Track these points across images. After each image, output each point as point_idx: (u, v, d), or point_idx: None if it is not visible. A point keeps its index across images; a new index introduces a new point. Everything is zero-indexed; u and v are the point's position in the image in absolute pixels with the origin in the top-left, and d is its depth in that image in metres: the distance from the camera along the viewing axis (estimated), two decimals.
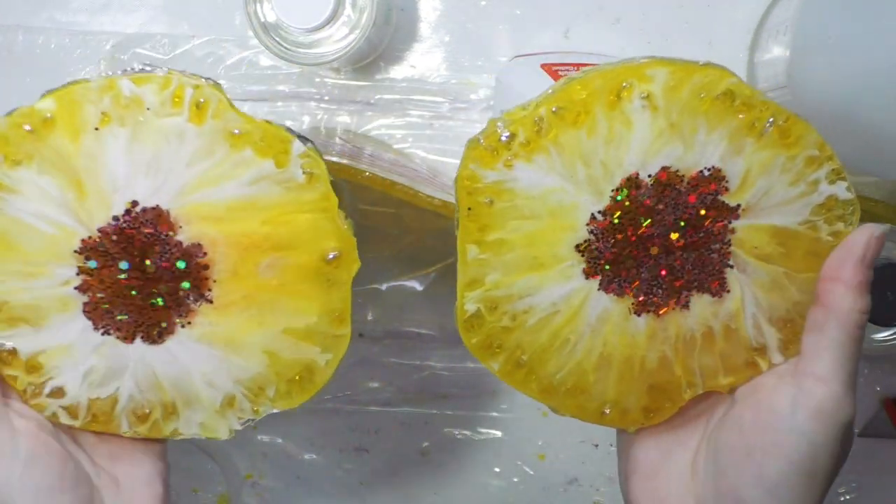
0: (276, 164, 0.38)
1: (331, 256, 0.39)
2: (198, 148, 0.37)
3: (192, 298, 0.39)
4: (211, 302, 0.39)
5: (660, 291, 0.39)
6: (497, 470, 0.66)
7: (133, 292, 0.39)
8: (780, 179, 0.37)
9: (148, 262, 0.38)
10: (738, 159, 0.37)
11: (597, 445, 0.65)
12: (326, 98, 0.59)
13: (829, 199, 0.38)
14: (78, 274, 0.38)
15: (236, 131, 0.37)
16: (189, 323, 0.39)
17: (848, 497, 0.63)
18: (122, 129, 0.37)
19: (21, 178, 0.37)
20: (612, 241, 0.38)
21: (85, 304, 0.39)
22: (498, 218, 0.38)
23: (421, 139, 0.59)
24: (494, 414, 0.64)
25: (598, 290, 0.39)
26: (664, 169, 0.37)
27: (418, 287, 0.61)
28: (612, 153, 0.37)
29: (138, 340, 0.39)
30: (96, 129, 0.37)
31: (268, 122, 0.38)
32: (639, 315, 0.39)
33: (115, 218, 0.38)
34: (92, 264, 0.38)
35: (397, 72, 0.59)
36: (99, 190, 0.37)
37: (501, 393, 0.64)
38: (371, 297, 0.62)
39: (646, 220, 0.38)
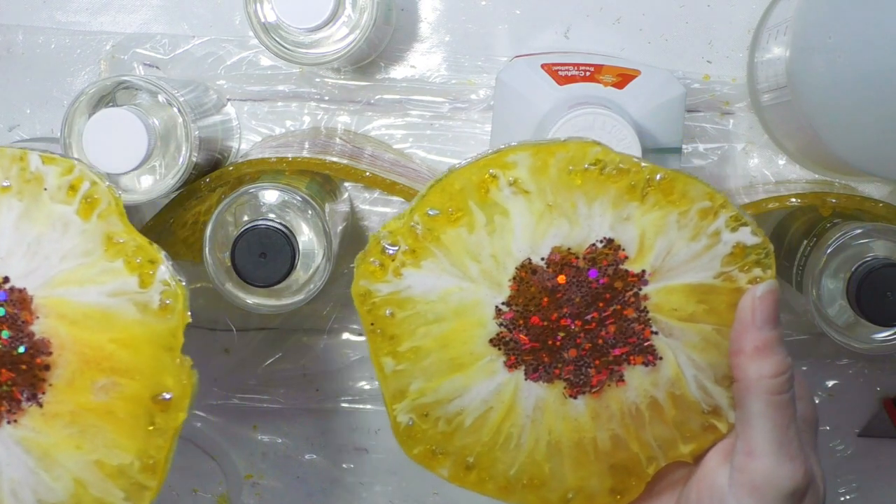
0: (139, 283, 0.37)
1: (165, 396, 0.38)
2: (76, 244, 0.37)
3: (25, 396, 0.38)
4: (41, 406, 0.38)
5: (589, 371, 0.38)
6: None
7: None
8: (679, 237, 0.36)
9: None
10: (628, 225, 0.36)
11: None
12: (326, 98, 0.59)
13: (737, 247, 0.36)
14: None
15: (120, 240, 0.37)
16: (16, 421, 0.38)
17: (848, 497, 0.63)
18: (18, 202, 0.37)
19: None
20: (524, 329, 0.37)
21: None
22: (405, 327, 0.38)
23: (421, 139, 0.59)
24: None
25: (526, 380, 0.38)
26: (555, 249, 0.37)
27: None
28: (497, 244, 0.37)
29: None
30: None
31: (149, 241, 0.37)
32: (575, 398, 0.38)
33: None
34: None
35: (397, 72, 0.59)
36: None
37: None
38: None
39: (551, 303, 0.37)
